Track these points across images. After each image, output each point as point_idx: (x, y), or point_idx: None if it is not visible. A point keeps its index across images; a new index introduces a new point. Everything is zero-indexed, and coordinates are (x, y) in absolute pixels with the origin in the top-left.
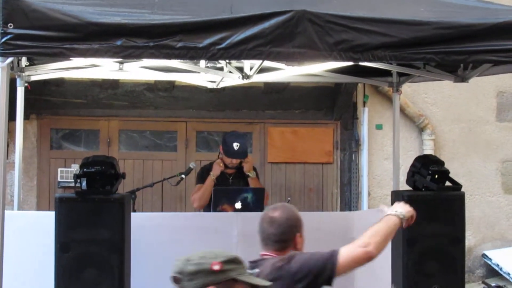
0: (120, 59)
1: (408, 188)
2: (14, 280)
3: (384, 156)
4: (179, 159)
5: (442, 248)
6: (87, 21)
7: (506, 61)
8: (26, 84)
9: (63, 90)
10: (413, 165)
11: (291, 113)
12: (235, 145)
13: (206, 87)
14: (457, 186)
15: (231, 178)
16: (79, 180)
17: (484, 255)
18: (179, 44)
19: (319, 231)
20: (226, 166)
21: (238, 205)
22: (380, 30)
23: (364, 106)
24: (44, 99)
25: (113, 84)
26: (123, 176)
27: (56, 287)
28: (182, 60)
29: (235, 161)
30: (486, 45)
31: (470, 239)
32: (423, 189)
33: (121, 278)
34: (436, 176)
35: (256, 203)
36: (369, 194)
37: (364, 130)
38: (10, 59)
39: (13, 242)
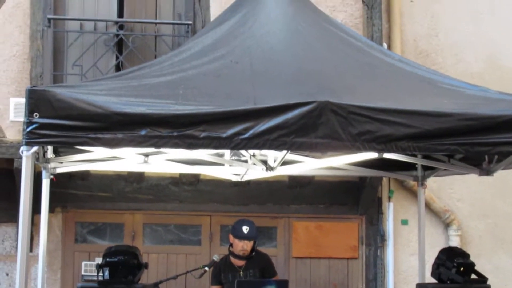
0: (145, 152)
1: (433, 281)
2: None
3: (410, 251)
4: (203, 253)
5: None
6: (112, 111)
7: None
8: (52, 177)
9: (88, 183)
10: (438, 257)
11: (316, 208)
12: (245, 229)
13: (231, 180)
14: (483, 279)
15: (242, 270)
16: (101, 270)
17: None
18: (203, 134)
19: None
20: (236, 256)
21: None
22: (403, 121)
23: (389, 201)
24: (69, 192)
25: (138, 178)
26: (145, 266)
27: None
28: (206, 152)
29: (246, 247)
30: (511, 136)
31: None
32: (448, 282)
33: None
34: (462, 268)
35: None
36: None
37: (390, 225)
38: (34, 148)
39: None
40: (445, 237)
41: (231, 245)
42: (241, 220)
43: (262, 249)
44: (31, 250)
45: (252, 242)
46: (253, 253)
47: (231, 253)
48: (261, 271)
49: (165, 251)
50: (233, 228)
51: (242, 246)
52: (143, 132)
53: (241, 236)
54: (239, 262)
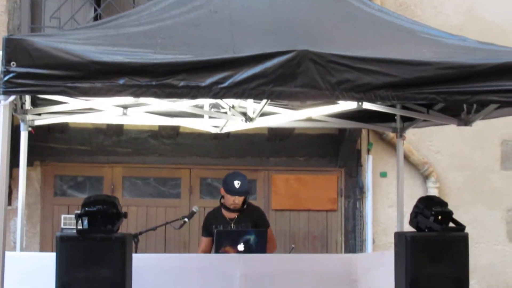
0: (123, 104)
1: (411, 229)
2: None
3: (388, 203)
4: (183, 206)
5: None
6: (90, 60)
7: (510, 102)
8: (30, 129)
9: (67, 137)
10: (416, 206)
11: (295, 160)
12: (236, 183)
13: (210, 132)
14: (460, 227)
15: (233, 222)
16: (80, 220)
17: None
18: (182, 83)
19: (323, 274)
20: (228, 209)
21: (240, 247)
22: (382, 70)
23: (368, 153)
24: (48, 146)
25: (117, 131)
26: (125, 215)
27: None
28: (186, 104)
29: (237, 201)
30: (489, 85)
31: None
32: (426, 230)
33: None
34: (440, 217)
35: (258, 245)
36: (373, 241)
37: (369, 177)
38: (12, 97)
39: (15, 284)
40: (424, 189)
41: (222, 197)
42: (233, 174)
43: None
44: (9, 203)
45: (243, 197)
46: (245, 206)
47: (223, 205)
48: (253, 224)
49: (144, 204)
50: (225, 182)
51: (234, 201)
52: (121, 81)
53: (232, 191)
54: (231, 215)
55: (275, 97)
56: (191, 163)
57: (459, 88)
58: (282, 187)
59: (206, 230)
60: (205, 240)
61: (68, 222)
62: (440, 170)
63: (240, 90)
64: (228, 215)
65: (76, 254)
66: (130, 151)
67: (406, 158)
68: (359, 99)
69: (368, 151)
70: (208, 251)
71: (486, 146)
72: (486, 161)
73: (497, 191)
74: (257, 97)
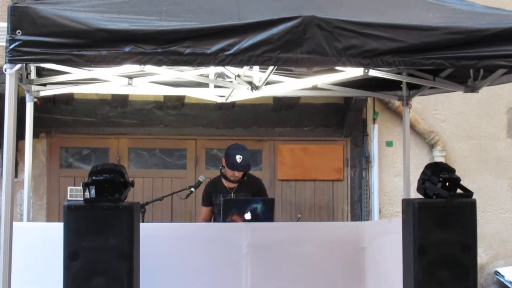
0: (129, 73)
1: (419, 196)
2: None
3: (394, 173)
4: (189, 177)
5: (454, 255)
6: (96, 27)
7: None
8: (35, 100)
9: (72, 108)
10: (423, 173)
11: (301, 130)
12: (238, 158)
13: (216, 102)
14: (468, 193)
15: (233, 192)
16: (87, 189)
17: (496, 272)
18: (187, 51)
19: (330, 242)
20: (228, 180)
21: (247, 215)
22: (389, 36)
23: (374, 123)
24: (53, 118)
25: (122, 102)
26: (132, 184)
27: None
28: (191, 74)
29: (238, 174)
30: (497, 50)
31: (482, 256)
32: (433, 197)
33: (130, 286)
34: (447, 183)
35: (265, 213)
36: (379, 211)
37: (374, 147)
38: (18, 66)
39: (22, 254)
40: (430, 158)
41: (223, 167)
42: (236, 147)
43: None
44: (16, 175)
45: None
46: (245, 177)
47: (223, 175)
48: (253, 195)
49: (150, 175)
50: (227, 154)
51: (234, 173)
52: (127, 49)
53: (234, 166)
54: (231, 185)
55: (282, 63)
56: (197, 133)
57: (466, 53)
58: (287, 157)
59: (206, 199)
60: (205, 210)
61: (75, 194)
62: (446, 139)
63: (246, 57)
64: (228, 184)
65: (84, 223)
66: (135, 122)
67: (412, 127)
68: (366, 65)
69: (374, 120)
70: (208, 220)
71: (492, 114)
72: (492, 130)
73: (503, 159)
74: (263, 63)
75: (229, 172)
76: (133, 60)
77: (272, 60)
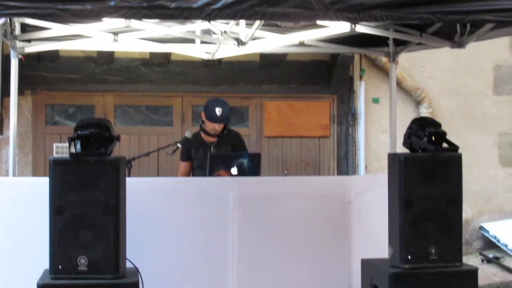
0: (114, 30)
1: (405, 150)
2: (9, 245)
3: (381, 129)
4: (175, 134)
5: (439, 209)
6: None
7: (505, 21)
8: (20, 56)
9: (57, 65)
10: (409, 127)
11: (288, 87)
12: (218, 110)
13: (202, 59)
14: (454, 147)
15: (212, 146)
16: (73, 143)
17: (481, 228)
18: (173, 4)
19: (317, 196)
20: (208, 134)
21: (234, 170)
22: None
23: (360, 79)
24: (38, 75)
25: (108, 59)
26: (118, 138)
27: (51, 250)
28: (177, 30)
29: (218, 127)
30: (484, 4)
31: (467, 212)
32: (419, 151)
33: (116, 240)
34: (433, 137)
35: (252, 168)
36: (366, 167)
37: (361, 103)
38: (2, 20)
39: (8, 209)
40: (416, 115)
41: (203, 122)
42: (215, 100)
43: (234, 128)
44: (1, 132)
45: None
46: (225, 132)
47: (203, 130)
48: (232, 148)
49: (136, 132)
50: (206, 107)
51: (214, 127)
52: (112, 3)
53: (213, 119)
54: (210, 139)
55: (268, 17)
56: (183, 90)
57: (454, 7)
58: (274, 114)
59: (185, 154)
60: (183, 165)
61: (60, 151)
62: (433, 96)
63: (233, 11)
64: (207, 139)
65: (69, 177)
66: (121, 79)
67: (399, 84)
68: (353, 20)
69: (361, 77)
70: (187, 175)
71: (478, 71)
72: (478, 86)
73: (489, 116)
74: (250, 17)
75: (209, 126)
76: (118, 14)
77: (259, 14)
